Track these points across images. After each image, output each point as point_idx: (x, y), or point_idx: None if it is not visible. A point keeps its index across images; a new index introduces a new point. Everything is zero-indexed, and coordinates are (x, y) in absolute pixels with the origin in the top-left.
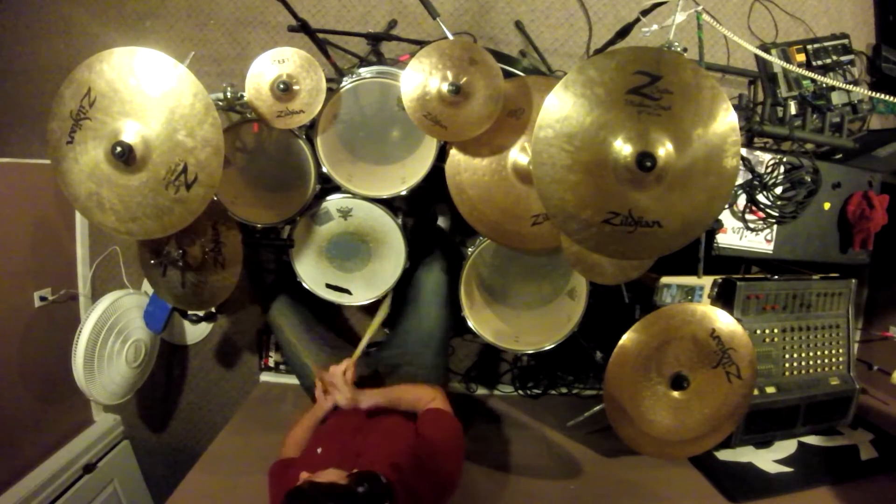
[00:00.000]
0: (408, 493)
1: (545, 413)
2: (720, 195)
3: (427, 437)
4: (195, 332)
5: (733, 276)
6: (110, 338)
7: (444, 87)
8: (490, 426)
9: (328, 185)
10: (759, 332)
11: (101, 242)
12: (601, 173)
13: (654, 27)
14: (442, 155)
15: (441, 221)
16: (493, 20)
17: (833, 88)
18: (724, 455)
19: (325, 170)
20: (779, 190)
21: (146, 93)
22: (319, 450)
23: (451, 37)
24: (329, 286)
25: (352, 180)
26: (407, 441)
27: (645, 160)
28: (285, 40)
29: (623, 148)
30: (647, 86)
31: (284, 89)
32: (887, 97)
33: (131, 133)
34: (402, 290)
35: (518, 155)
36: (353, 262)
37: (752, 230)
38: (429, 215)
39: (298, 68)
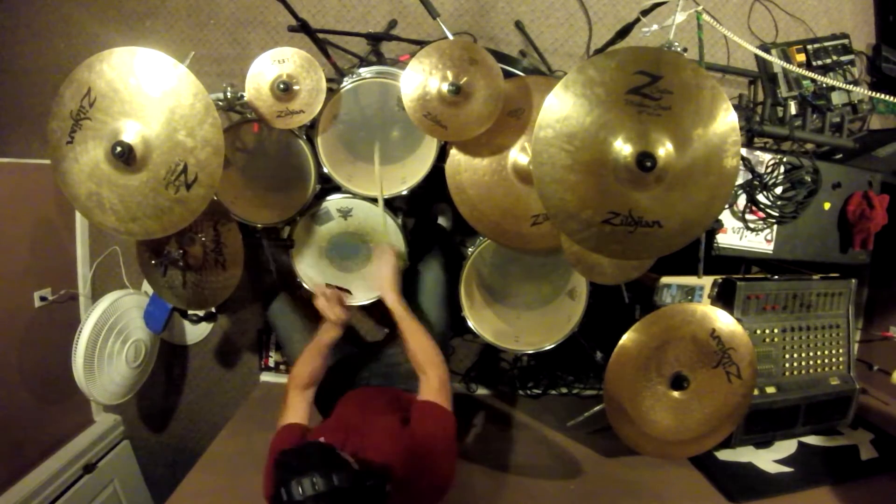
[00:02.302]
0: (402, 495)
1: (545, 413)
2: (720, 195)
3: (420, 436)
4: (195, 332)
5: (733, 276)
6: (110, 338)
7: (444, 87)
8: (490, 426)
9: (328, 185)
10: (759, 332)
11: (101, 242)
12: (601, 173)
13: (654, 27)
14: (442, 155)
15: (442, 220)
16: (493, 20)
17: (833, 88)
18: (724, 455)
19: (325, 170)
20: (779, 190)
21: (146, 93)
22: (322, 439)
23: (451, 37)
24: (329, 286)
25: (352, 180)
26: (403, 442)
27: (645, 160)
28: (285, 40)
29: (623, 148)
30: (648, 86)
31: (284, 89)
32: (887, 97)
33: (131, 133)
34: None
35: (518, 155)
36: (353, 262)
37: (752, 230)
38: (429, 214)
39: (298, 68)
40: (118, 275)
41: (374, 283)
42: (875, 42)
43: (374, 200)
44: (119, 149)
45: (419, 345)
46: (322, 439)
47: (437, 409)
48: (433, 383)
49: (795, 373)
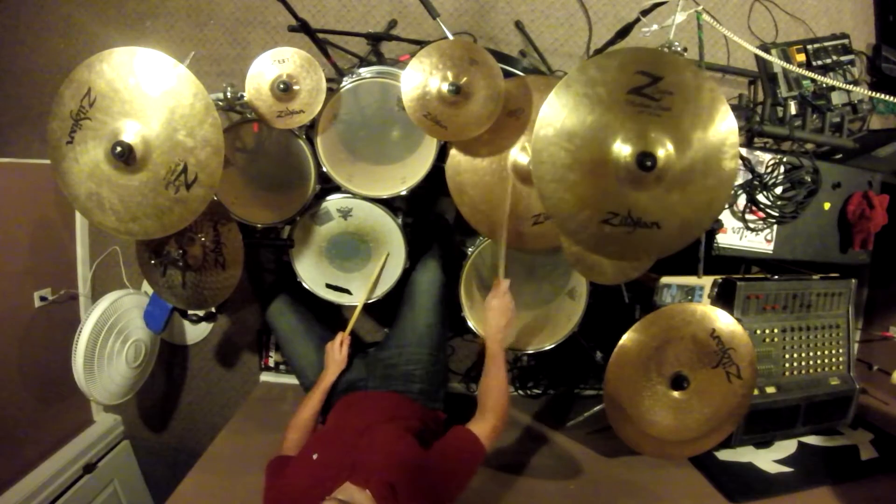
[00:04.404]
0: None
1: (545, 413)
2: (719, 197)
3: (440, 456)
4: (195, 332)
5: (733, 276)
6: (110, 338)
7: (444, 87)
8: None
9: (328, 185)
10: (759, 332)
11: (101, 242)
12: (601, 173)
13: (654, 27)
14: (442, 155)
15: (447, 216)
16: (493, 20)
17: (833, 88)
18: (724, 455)
19: (325, 170)
20: (779, 190)
21: (146, 93)
22: (315, 455)
23: (451, 37)
24: (329, 286)
25: (352, 180)
26: (405, 457)
27: (645, 160)
28: (285, 40)
29: (623, 148)
30: (648, 86)
31: (284, 89)
32: (887, 97)
33: (131, 133)
34: (401, 290)
35: (518, 155)
36: (353, 262)
37: (752, 230)
38: (432, 211)
39: (298, 68)
40: (118, 275)
41: (487, 323)
42: (875, 42)
43: (374, 201)
44: (119, 149)
45: (497, 392)
46: (315, 456)
47: (477, 443)
48: (488, 426)
49: (795, 373)
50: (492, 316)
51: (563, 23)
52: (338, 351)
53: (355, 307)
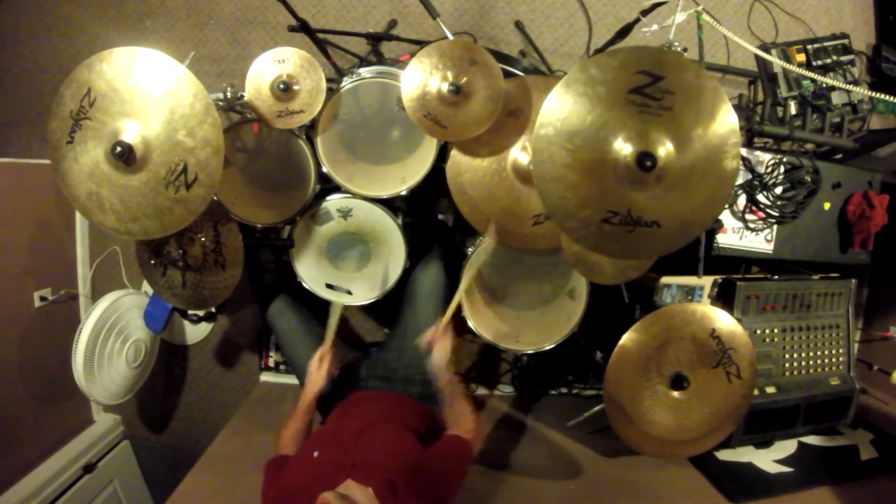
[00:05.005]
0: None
1: (545, 413)
2: (719, 196)
3: (437, 455)
4: (195, 332)
5: (733, 276)
6: (110, 338)
7: (444, 87)
8: (490, 426)
9: (328, 185)
10: (759, 332)
11: (101, 242)
12: (601, 172)
13: (654, 27)
14: (442, 155)
15: (443, 217)
16: (493, 20)
17: (833, 88)
18: (724, 455)
19: (325, 170)
20: (779, 190)
21: (146, 93)
22: (316, 453)
23: (451, 37)
24: (329, 286)
25: (352, 180)
26: (405, 455)
27: (645, 160)
28: (285, 40)
29: (623, 147)
30: (649, 86)
31: (284, 89)
32: (887, 97)
33: (131, 133)
34: (401, 291)
35: (518, 155)
36: (353, 263)
37: (752, 230)
38: (431, 212)
39: (298, 68)
40: (118, 275)
41: (434, 365)
42: (875, 42)
43: (374, 201)
44: (119, 149)
45: (465, 421)
46: (316, 454)
47: (468, 444)
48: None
49: (795, 373)
50: (437, 358)
51: (563, 23)
52: (315, 368)
53: (355, 306)
